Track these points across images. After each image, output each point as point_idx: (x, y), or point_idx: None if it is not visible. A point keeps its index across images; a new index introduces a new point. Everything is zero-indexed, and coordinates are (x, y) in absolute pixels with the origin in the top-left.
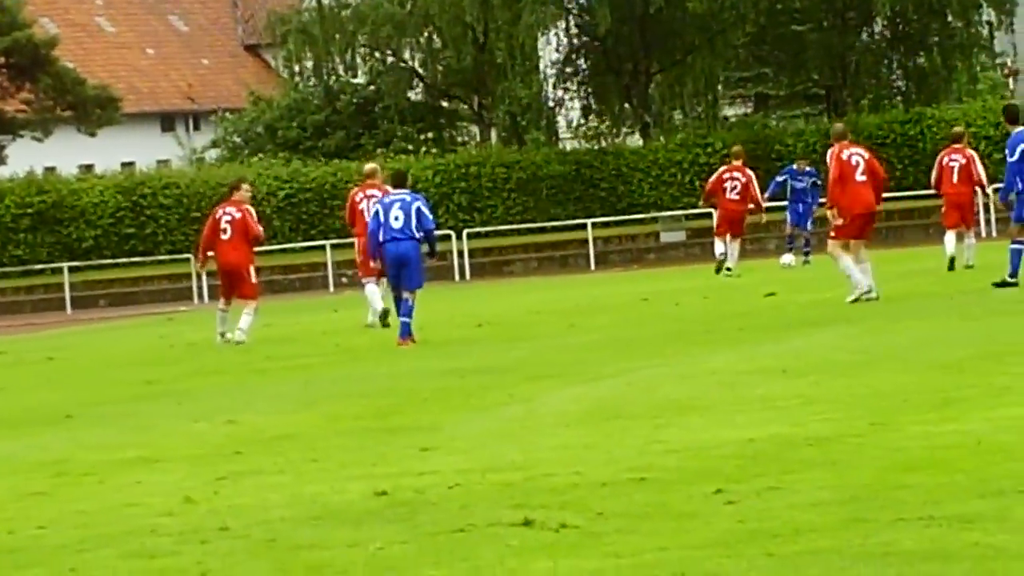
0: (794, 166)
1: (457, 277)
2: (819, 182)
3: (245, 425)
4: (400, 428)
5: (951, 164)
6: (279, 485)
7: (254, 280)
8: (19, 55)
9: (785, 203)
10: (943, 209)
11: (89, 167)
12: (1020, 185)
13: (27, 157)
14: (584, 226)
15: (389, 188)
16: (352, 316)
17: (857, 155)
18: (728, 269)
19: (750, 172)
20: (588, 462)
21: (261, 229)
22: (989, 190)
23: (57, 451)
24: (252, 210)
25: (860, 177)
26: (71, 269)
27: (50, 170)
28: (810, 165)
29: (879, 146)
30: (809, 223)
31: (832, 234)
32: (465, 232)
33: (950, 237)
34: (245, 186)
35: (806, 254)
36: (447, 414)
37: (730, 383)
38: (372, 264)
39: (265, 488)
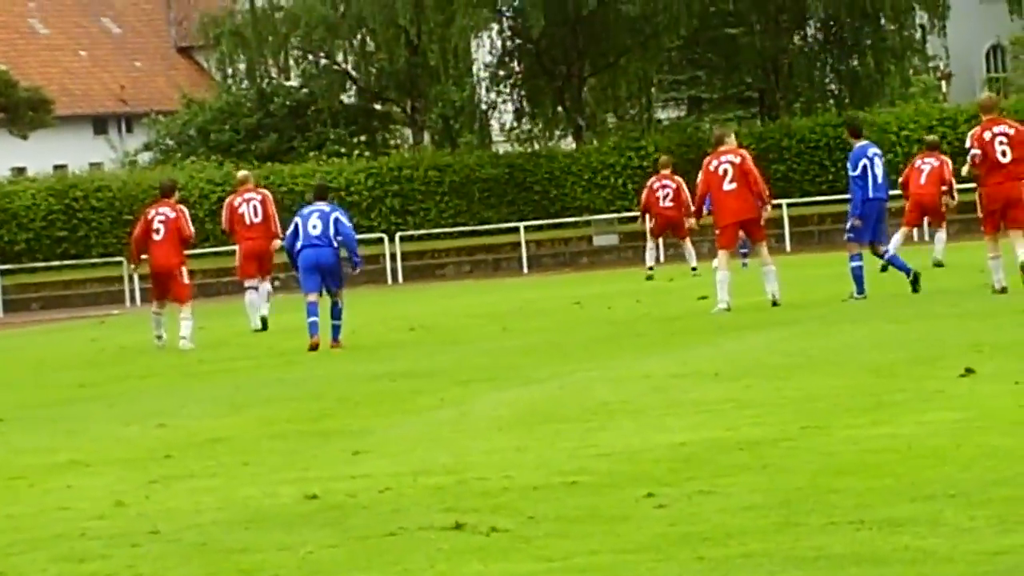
0: None
1: (390, 280)
2: None
3: (176, 429)
4: (332, 432)
5: (922, 167)
6: (210, 489)
7: (187, 281)
8: None
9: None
10: (907, 208)
11: (21, 170)
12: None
13: None
14: (517, 229)
15: (265, 191)
16: (284, 320)
17: (726, 164)
18: (693, 269)
19: (679, 178)
20: (519, 466)
21: (193, 231)
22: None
23: None
24: (186, 211)
25: (728, 186)
26: (3, 272)
27: None
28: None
29: (812, 149)
30: None
31: (716, 245)
32: (398, 235)
33: (900, 235)
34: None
35: (743, 255)
36: (379, 418)
37: (662, 387)
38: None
39: (196, 492)
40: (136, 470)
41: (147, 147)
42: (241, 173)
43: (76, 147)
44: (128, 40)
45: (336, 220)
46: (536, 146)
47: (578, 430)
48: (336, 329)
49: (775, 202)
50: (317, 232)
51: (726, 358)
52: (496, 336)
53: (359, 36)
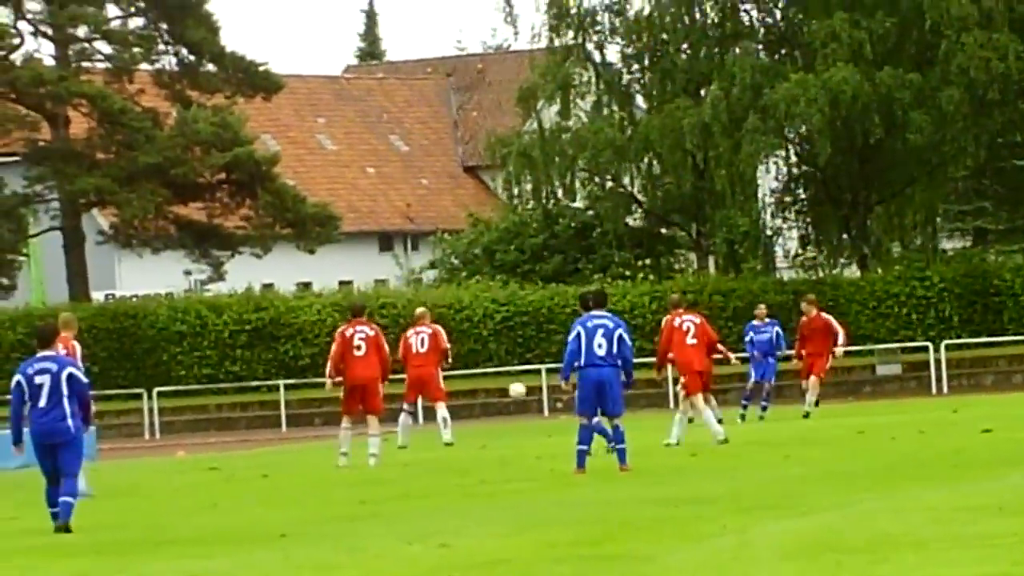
0: (754, 321)
1: (671, 405)
2: (781, 331)
3: (458, 548)
4: (613, 556)
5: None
6: None
7: (381, 395)
8: (240, 171)
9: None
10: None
11: (307, 285)
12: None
13: (246, 273)
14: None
15: (435, 325)
16: (566, 442)
17: (688, 321)
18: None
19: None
20: None
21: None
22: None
23: (270, 570)
24: (379, 329)
25: (690, 340)
26: (287, 387)
27: (268, 287)
28: (770, 316)
29: None
30: (772, 375)
31: (683, 393)
32: None
33: None
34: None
35: (763, 408)
36: (660, 543)
37: (946, 519)
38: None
39: None
40: None
41: (432, 265)
42: (419, 310)
43: (362, 263)
44: (415, 158)
45: (620, 338)
46: (820, 273)
47: (861, 562)
48: (622, 453)
49: None
50: (603, 352)
51: (1011, 491)
52: (778, 464)
53: (646, 160)
